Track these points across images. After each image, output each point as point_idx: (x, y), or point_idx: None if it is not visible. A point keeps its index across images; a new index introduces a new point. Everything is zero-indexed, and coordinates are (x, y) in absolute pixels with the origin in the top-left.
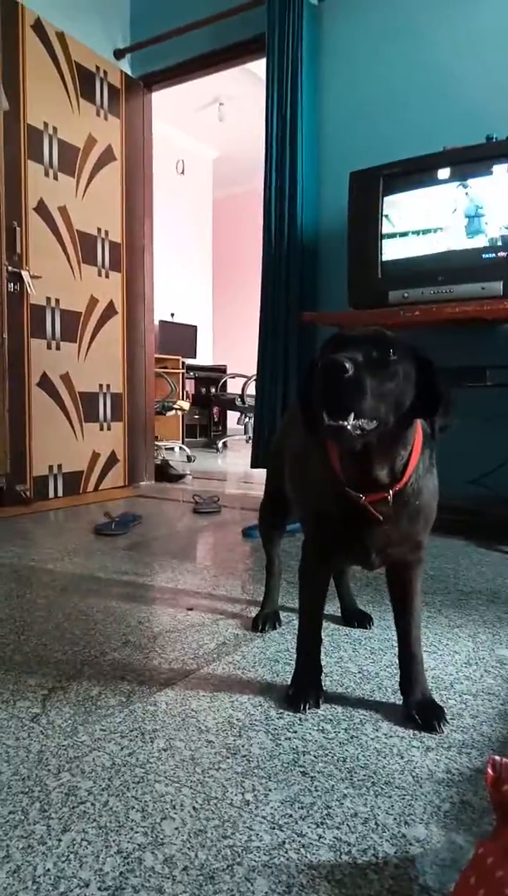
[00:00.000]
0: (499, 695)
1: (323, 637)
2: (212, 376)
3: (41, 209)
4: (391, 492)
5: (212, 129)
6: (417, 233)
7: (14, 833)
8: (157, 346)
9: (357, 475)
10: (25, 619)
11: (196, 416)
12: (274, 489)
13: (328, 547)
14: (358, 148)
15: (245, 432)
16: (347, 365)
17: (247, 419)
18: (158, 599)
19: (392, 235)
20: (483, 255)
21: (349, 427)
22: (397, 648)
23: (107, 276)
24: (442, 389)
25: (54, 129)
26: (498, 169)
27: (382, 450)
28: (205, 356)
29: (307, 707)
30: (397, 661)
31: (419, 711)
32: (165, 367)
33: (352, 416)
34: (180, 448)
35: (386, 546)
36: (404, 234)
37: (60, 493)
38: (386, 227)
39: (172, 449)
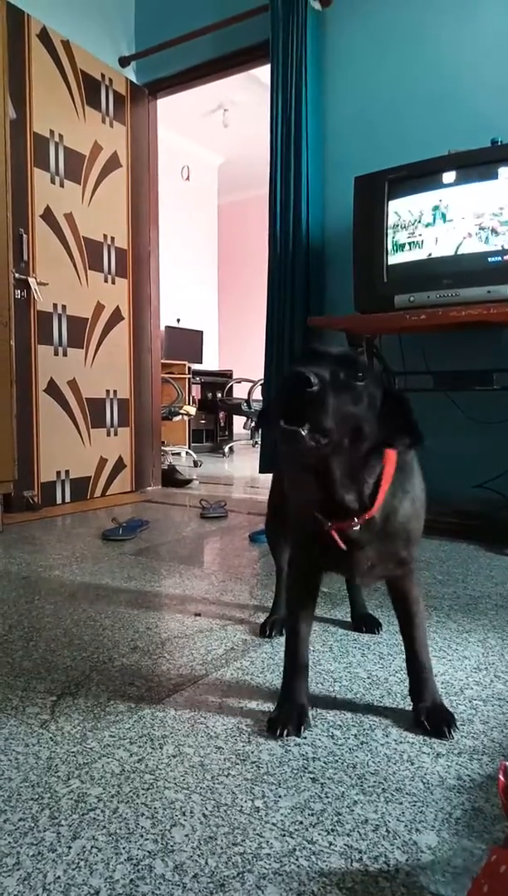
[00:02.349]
0: None
1: (332, 642)
2: (218, 381)
3: (48, 216)
4: (356, 520)
5: (217, 135)
6: (422, 237)
7: (24, 840)
8: (163, 352)
9: (323, 500)
10: (34, 625)
11: (203, 421)
12: (280, 496)
13: (310, 564)
14: (363, 152)
15: (251, 437)
16: (312, 379)
17: (253, 424)
18: (165, 605)
19: (397, 240)
20: (489, 259)
21: (304, 434)
22: (405, 653)
23: (113, 283)
24: (416, 427)
25: (60, 136)
26: (504, 172)
27: (344, 475)
28: (211, 361)
29: (286, 734)
30: (405, 666)
31: (429, 717)
32: (172, 373)
33: (308, 426)
34: (187, 453)
35: (367, 567)
36: (409, 238)
37: (68, 498)
38: (391, 232)
39: (179, 454)
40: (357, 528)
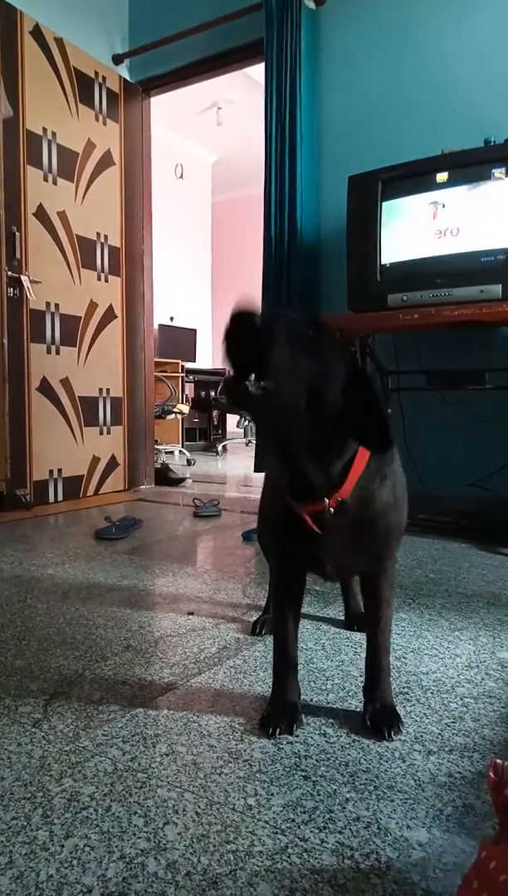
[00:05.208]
0: (500, 698)
1: (325, 640)
2: (211, 380)
3: (40, 214)
4: (327, 501)
5: (211, 133)
6: (415, 236)
7: (17, 839)
8: (156, 350)
9: (291, 481)
10: (26, 624)
11: (196, 420)
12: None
13: (285, 559)
14: (357, 152)
15: (245, 436)
16: (256, 321)
17: (246, 422)
18: (158, 604)
19: (391, 239)
20: (482, 259)
21: (249, 384)
22: (398, 652)
23: (106, 281)
24: (383, 412)
25: (53, 134)
26: (497, 172)
27: (308, 448)
28: (204, 360)
29: (278, 732)
30: (399, 665)
31: (373, 717)
32: (165, 371)
33: (253, 375)
34: (180, 452)
35: (339, 557)
36: (402, 238)
37: (61, 497)
38: (384, 231)
39: (172, 453)
40: (331, 511)
